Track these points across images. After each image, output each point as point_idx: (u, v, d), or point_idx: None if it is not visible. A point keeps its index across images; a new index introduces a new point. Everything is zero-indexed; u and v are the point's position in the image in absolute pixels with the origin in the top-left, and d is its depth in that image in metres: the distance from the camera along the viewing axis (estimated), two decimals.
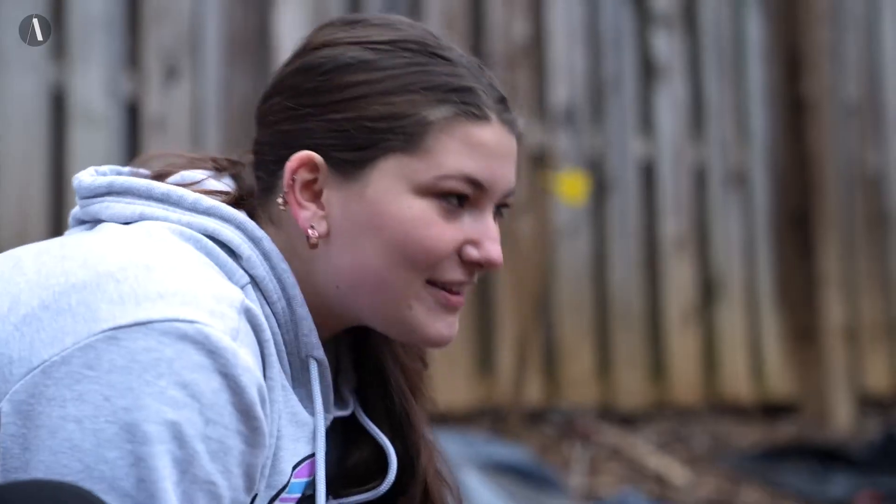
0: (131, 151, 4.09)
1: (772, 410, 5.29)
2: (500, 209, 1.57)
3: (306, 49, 1.57)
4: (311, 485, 1.56)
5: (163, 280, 1.41)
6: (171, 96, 4.18)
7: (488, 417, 4.65)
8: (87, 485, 1.33)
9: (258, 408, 1.42)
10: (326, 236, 1.53)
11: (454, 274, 1.54)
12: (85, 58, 4.06)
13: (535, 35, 4.95)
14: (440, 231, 1.51)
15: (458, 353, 4.61)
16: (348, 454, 1.63)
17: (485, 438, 4.32)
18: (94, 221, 1.55)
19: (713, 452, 4.86)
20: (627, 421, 4.92)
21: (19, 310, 1.41)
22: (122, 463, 1.35)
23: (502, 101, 1.54)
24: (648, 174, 5.18)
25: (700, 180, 5.32)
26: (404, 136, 1.50)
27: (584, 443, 4.48)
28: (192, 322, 1.38)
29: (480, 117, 1.52)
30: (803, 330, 5.33)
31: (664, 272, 5.14)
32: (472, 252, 1.54)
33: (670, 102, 5.25)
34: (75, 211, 1.58)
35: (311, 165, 1.52)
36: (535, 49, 4.94)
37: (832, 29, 5.61)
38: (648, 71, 5.22)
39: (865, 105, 5.76)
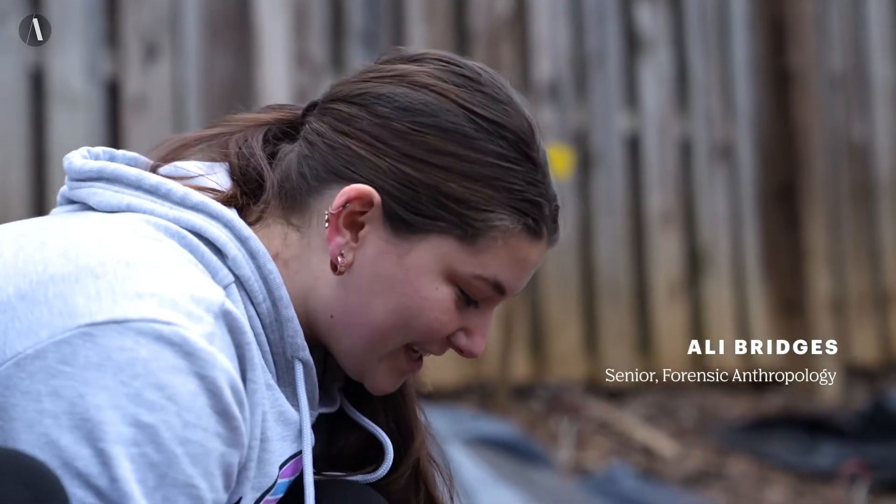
0: (112, 131, 4.08)
1: (759, 382, 5.29)
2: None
3: (410, 77, 1.53)
4: (295, 483, 1.55)
5: (142, 279, 1.40)
6: (150, 76, 4.17)
7: (476, 394, 4.65)
8: (65, 481, 1.33)
9: (236, 409, 1.41)
10: (348, 268, 1.52)
11: (434, 349, 1.56)
12: (64, 38, 4.05)
13: (518, 9, 4.93)
14: (449, 318, 1.53)
15: None
16: (333, 443, 1.63)
17: (472, 414, 4.32)
18: (82, 204, 1.53)
19: (700, 425, 4.86)
20: (615, 395, 4.92)
21: None
22: (96, 461, 1.35)
23: (556, 219, 1.54)
24: (634, 148, 5.18)
25: (686, 154, 5.31)
26: (466, 226, 1.50)
27: (571, 417, 4.47)
28: (168, 324, 1.37)
29: (536, 235, 1.52)
30: (790, 302, 5.33)
31: (650, 246, 5.13)
32: (462, 340, 1.55)
33: (655, 76, 5.24)
34: (64, 189, 1.56)
35: (367, 202, 1.50)
36: (518, 24, 4.93)
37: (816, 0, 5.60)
38: (633, 44, 5.21)
39: (851, 76, 5.74)
